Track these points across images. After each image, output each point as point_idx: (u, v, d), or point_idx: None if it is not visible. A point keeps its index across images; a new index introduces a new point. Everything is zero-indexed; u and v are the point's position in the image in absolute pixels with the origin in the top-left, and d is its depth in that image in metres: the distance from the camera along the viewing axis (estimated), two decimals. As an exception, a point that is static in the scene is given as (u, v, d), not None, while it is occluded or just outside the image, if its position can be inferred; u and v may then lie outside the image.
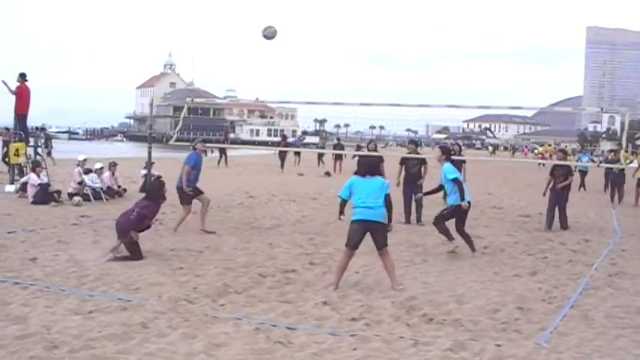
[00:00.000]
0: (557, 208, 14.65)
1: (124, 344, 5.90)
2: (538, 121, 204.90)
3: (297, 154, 36.46)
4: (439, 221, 11.25)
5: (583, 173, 26.28)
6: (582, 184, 26.01)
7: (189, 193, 12.36)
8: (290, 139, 63.32)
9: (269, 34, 13.49)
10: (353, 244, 8.48)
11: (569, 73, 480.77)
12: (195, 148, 12.81)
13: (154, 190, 10.57)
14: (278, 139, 77.49)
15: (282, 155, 33.04)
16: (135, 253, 9.74)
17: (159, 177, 18.63)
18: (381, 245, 8.52)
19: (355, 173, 9.05)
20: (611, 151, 27.48)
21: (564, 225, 14.57)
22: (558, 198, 14.67)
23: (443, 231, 11.21)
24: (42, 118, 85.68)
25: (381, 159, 13.90)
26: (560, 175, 14.81)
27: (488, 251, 11.44)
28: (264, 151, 51.55)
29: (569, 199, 15.18)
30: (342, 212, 8.98)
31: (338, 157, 32.87)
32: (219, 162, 34.18)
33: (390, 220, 9.06)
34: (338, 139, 46.36)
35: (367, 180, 8.69)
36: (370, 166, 8.94)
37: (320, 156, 37.21)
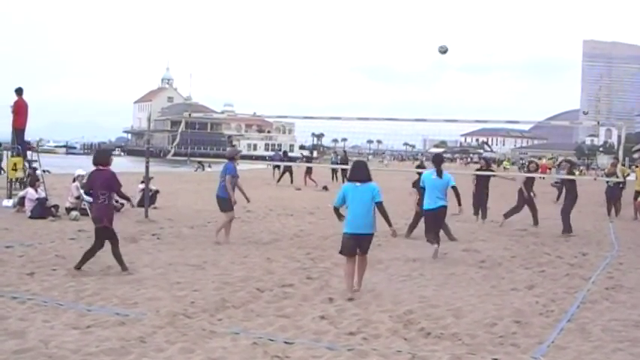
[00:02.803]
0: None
1: (121, 359, 5.91)
2: (535, 134, 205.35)
3: (278, 167, 35.63)
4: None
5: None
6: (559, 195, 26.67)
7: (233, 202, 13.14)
8: (271, 153, 62.51)
9: (442, 49, 15.27)
10: (347, 253, 8.81)
11: (566, 87, 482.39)
12: (233, 159, 13.37)
13: (100, 155, 10.31)
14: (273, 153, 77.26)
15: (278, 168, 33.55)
16: (114, 237, 9.74)
17: (157, 191, 18.74)
18: (363, 251, 8.88)
19: (348, 179, 9.20)
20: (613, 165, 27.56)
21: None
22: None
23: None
24: (40, 132, 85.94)
25: None
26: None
27: (485, 265, 11.44)
28: (262, 165, 51.44)
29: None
30: (340, 218, 9.17)
31: (308, 171, 32.01)
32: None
33: (389, 224, 8.96)
34: (311, 152, 44.37)
35: (358, 188, 8.80)
36: (359, 171, 9.00)
37: (334, 171, 36.17)
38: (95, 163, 10.00)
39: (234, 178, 13.04)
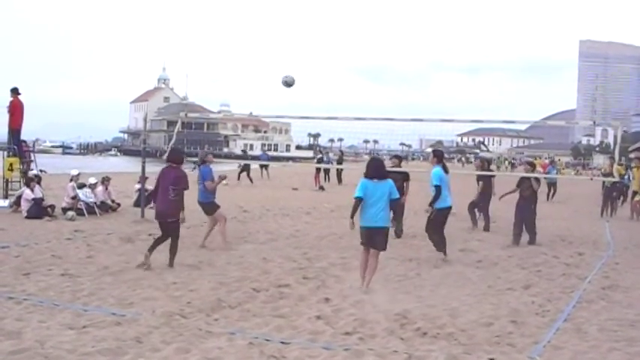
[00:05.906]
0: (523, 222, 13.90)
1: (117, 359, 5.90)
2: (532, 134, 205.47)
3: (265, 167, 36.29)
4: (429, 229, 11.66)
5: (551, 184, 27.69)
6: (549, 195, 27.17)
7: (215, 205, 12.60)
8: (256, 153, 62.20)
9: (289, 80, 14.39)
10: (366, 246, 9.19)
11: (563, 87, 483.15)
12: (205, 162, 12.85)
13: (174, 153, 10.92)
14: (273, 153, 77.47)
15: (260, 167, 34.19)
16: (177, 233, 10.34)
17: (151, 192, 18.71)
18: (378, 247, 9.13)
19: (365, 176, 9.22)
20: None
21: (532, 240, 13.90)
22: (523, 211, 13.92)
23: (436, 241, 11.55)
24: (36, 132, 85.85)
25: (407, 176, 14.10)
26: (526, 188, 14.08)
27: (481, 265, 11.44)
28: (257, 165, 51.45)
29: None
30: (352, 217, 9.20)
31: (319, 171, 32.01)
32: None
33: (400, 225, 9.15)
34: (321, 152, 43.50)
35: (376, 184, 9.02)
36: (377, 169, 9.19)
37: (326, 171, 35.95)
38: (168, 161, 10.65)
39: (213, 182, 12.47)
